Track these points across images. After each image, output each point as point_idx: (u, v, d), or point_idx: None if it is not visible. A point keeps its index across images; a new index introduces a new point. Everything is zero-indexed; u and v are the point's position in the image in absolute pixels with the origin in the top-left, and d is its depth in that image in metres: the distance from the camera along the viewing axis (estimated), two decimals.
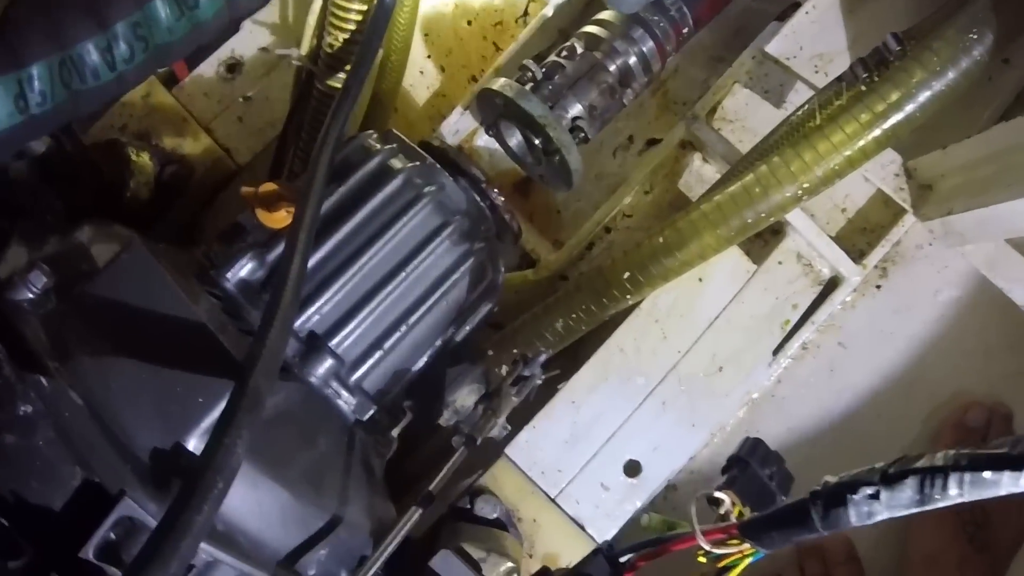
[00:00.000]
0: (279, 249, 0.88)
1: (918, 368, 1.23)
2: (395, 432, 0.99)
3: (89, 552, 0.62)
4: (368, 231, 0.92)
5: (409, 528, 0.82)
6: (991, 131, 1.00)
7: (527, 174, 1.21)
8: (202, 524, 0.54)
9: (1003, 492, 0.42)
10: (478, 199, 0.99)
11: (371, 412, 0.91)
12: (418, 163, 0.96)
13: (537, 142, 1.06)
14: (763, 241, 1.25)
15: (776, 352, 1.21)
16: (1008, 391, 1.20)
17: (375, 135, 1.00)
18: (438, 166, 0.97)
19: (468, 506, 1.07)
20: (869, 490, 0.49)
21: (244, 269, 0.89)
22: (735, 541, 0.61)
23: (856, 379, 1.24)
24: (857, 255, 1.21)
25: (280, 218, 0.89)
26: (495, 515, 1.06)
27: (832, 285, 1.21)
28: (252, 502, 0.75)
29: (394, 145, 0.98)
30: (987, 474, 0.42)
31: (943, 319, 1.23)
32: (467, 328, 1.00)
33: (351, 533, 0.84)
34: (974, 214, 1.06)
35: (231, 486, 0.59)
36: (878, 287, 1.24)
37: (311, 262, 0.89)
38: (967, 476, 0.43)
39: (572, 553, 1.10)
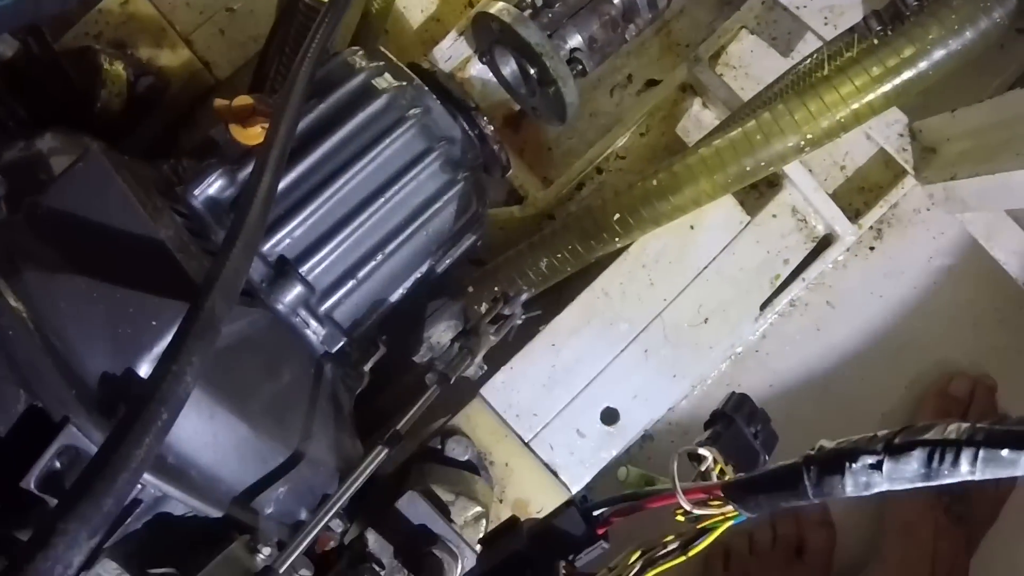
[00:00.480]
0: (251, 167, 0.83)
1: (906, 333, 1.20)
2: (366, 367, 0.95)
3: (31, 482, 0.58)
4: (347, 152, 0.87)
5: (375, 467, 0.78)
6: (1004, 97, 0.96)
7: (519, 106, 1.16)
8: (143, 457, 0.49)
9: (1020, 472, 0.39)
10: (466, 127, 0.93)
11: (341, 344, 0.87)
12: (405, 84, 0.90)
13: (532, 72, 1.01)
14: (758, 193, 1.22)
15: (764, 307, 1.17)
16: (994, 364, 1.18)
17: (361, 52, 0.95)
18: (426, 89, 0.92)
19: (439, 447, 1.04)
20: (871, 459, 0.46)
21: (213, 186, 0.83)
22: (717, 502, 0.57)
23: (842, 340, 1.22)
24: (853, 214, 1.17)
25: (254, 134, 0.84)
26: (466, 457, 1.03)
27: (825, 243, 1.18)
28: (207, 434, 0.70)
29: (381, 63, 0.93)
30: (1005, 452, 0.39)
31: (935, 286, 1.20)
32: (447, 261, 0.95)
33: (314, 470, 0.80)
34: (978, 181, 1.02)
35: (180, 416, 0.55)
36: (872, 248, 1.21)
37: (284, 182, 0.84)
38: (982, 452, 0.40)
39: (544, 500, 1.07)
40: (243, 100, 0.83)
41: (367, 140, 0.87)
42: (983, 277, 1.18)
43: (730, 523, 0.58)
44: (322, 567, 0.81)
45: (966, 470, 0.41)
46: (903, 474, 0.44)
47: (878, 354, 1.20)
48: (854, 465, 0.47)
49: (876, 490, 0.46)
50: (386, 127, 0.88)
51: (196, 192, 0.82)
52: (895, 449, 0.45)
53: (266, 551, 0.68)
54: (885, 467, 0.45)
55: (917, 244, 1.20)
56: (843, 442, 0.49)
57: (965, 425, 0.42)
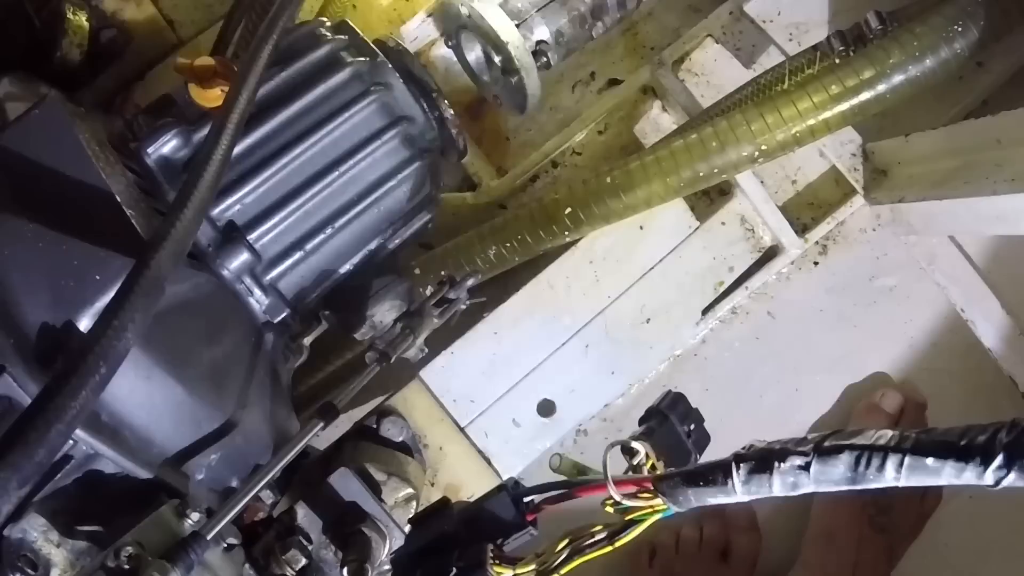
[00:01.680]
0: (208, 129, 0.82)
1: (842, 348, 1.23)
2: (307, 340, 0.95)
3: None
4: (305, 122, 0.86)
5: (309, 439, 0.78)
6: (958, 126, 0.98)
7: (481, 93, 1.16)
8: (78, 410, 0.49)
9: (943, 481, 0.40)
10: (427, 108, 0.93)
11: (284, 315, 0.87)
12: (369, 60, 0.90)
13: (497, 60, 1.01)
14: (709, 200, 1.23)
15: (705, 312, 1.19)
16: (926, 385, 1.20)
17: (328, 23, 0.94)
18: (390, 66, 0.91)
19: (374, 426, 1.04)
20: (799, 460, 0.47)
21: (167, 146, 0.82)
22: (647, 495, 0.58)
23: (780, 350, 1.23)
24: (800, 228, 1.19)
25: (214, 97, 0.83)
26: (401, 438, 1.03)
27: (771, 254, 1.20)
28: (143, 395, 0.69)
29: (346, 37, 0.92)
30: (930, 461, 0.40)
31: (875, 305, 1.22)
32: (397, 241, 0.95)
33: (248, 440, 0.80)
34: (925, 206, 1.05)
35: (117, 375, 0.54)
36: (816, 263, 1.23)
37: (239, 147, 0.83)
38: (907, 460, 0.41)
39: (475, 486, 1.08)
40: (205, 61, 0.82)
41: (326, 112, 0.87)
42: (922, 300, 1.20)
43: (658, 516, 0.58)
44: (250, 538, 0.81)
45: (891, 476, 0.42)
46: (830, 476, 0.46)
47: (814, 366, 1.22)
48: (782, 465, 0.48)
49: (803, 490, 0.47)
50: (346, 101, 0.87)
51: (150, 150, 0.81)
52: (823, 451, 0.46)
53: (195, 517, 0.68)
54: (813, 468, 0.46)
55: (860, 262, 1.22)
56: (773, 442, 0.50)
57: (893, 432, 0.43)
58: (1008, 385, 1.16)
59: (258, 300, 0.85)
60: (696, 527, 1.21)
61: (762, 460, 0.49)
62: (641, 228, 1.15)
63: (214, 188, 0.67)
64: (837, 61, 1.04)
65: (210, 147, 0.69)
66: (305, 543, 0.83)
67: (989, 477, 0.38)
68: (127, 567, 0.61)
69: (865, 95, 0.99)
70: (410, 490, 0.94)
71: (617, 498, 0.58)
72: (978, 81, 1.18)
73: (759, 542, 1.20)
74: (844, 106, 0.99)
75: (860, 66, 0.99)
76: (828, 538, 1.15)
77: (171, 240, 0.60)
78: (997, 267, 1.16)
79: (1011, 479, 0.38)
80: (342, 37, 0.92)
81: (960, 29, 0.99)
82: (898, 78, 0.98)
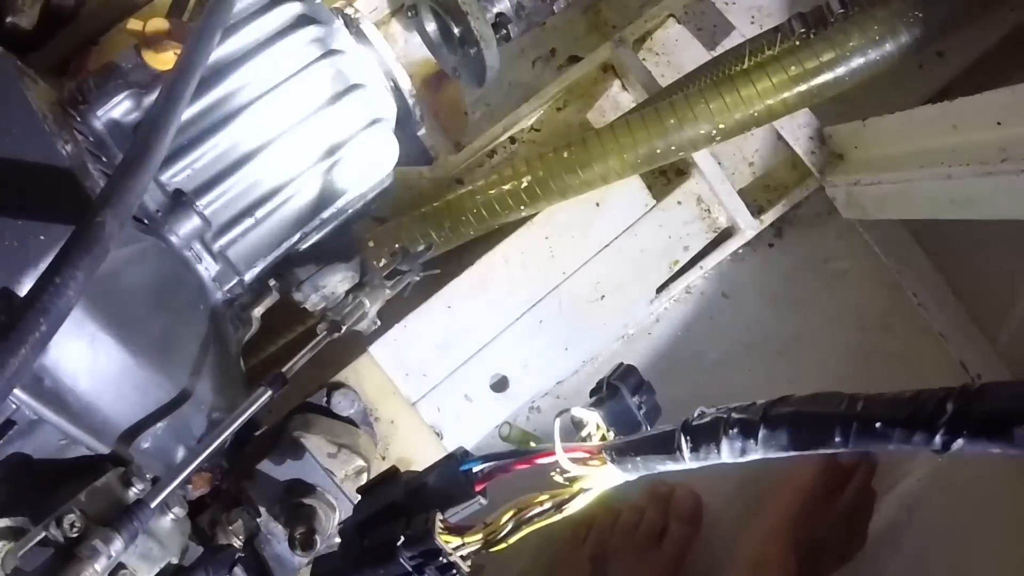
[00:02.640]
0: (159, 92, 0.80)
1: (795, 330, 1.24)
2: (257, 311, 0.93)
3: None
4: (258, 87, 0.84)
5: (257, 409, 0.77)
6: (915, 111, 0.99)
7: (440, 65, 1.15)
8: (16, 368, 0.48)
9: (891, 447, 0.40)
10: (383, 77, 0.92)
11: (233, 283, 0.86)
12: (326, 25, 0.89)
13: (457, 31, 1.01)
14: (666, 179, 1.24)
15: (660, 290, 1.19)
16: (877, 367, 1.22)
17: None
18: (347, 32, 0.90)
19: (325, 399, 1.03)
20: (747, 427, 0.47)
21: (118, 109, 0.80)
22: (596, 463, 0.58)
23: (733, 331, 1.24)
24: (756, 210, 1.20)
25: (166, 60, 0.81)
26: (352, 411, 1.02)
27: (726, 234, 1.21)
28: (87, 360, 0.68)
29: (303, 2, 0.90)
30: (879, 426, 0.40)
31: (828, 288, 1.24)
32: (350, 211, 0.94)
33: (195, 409, 0.78)
34: (880, 189, 1.06)
35: (60, 338, 0.53)
36: (771, 245, 1.25)
37: (190, 111, 0.81)
38: (856, 425, 0.41)
39: (426, 459, 1.05)
40: (158, 23, 0.80)
41: (280, 77, 0.85)
42: (875, 284, 1.22)
43: (608, 485, 0.59)
44: (197, 509, 0.80)
45: (839, 441, 0.42)
46: (778, 442, 0.46)
47: (767, 348, 1.24)
48: (731, 431, 0.48)
49: (751, 457, 0.47)
50: (301, 66, 0.86)
51: (99, 113, 0.79)
52: (771, 418, 0.46)
53: (140, 486, 0.67)
54: (760, 435, 0.46)
55: (815, 245, 1.23)
56: (721, 408, 0.50)
57: (842, 397, 0.43)
58: (958, 369, 1.18)
59: (207, 267, 0.83)
60: (638, 510, 1.22)
61: (710, 427, 0.50)
62: (598, 205, 1.15)
63: (163, 149, 0.65)
64: (797, 43, 1.04)
65: (160, 109, 0.68)
66: (252, 514, 0.83)
67: (937, 442, 0.39)
68: (71, 535, 0.60)
69: (824, 77, 0.99)
70: (361, 463, 0.93)
71: (566, 466, 0.58)
72: (937, 70, 1.19)
73: (696, 533, 1.21)
74: (802, 87, 1.00)
75: (820, 48, 1.00)
76: (756, 568, 1.15)
77: (116, 198, 0.58)
78: (950, 252, 1.18)
79: (959, 444, 0.38)
80: (299, 2, 0.90)
81: (921, 15, 0.99)
82: (857, 62, 0.99)
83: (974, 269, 1.18)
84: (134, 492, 0.66)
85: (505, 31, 1.04)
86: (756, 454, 0.47)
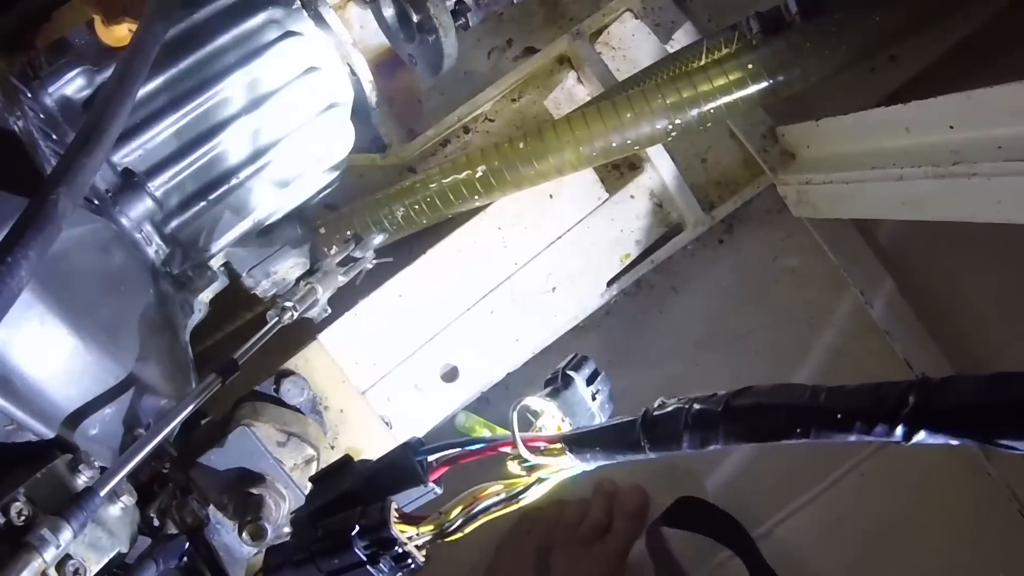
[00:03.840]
0: (112, 69, 0.78)
1: (742, 325, 1.25)
2: (206, 296, 0.92)
3: None
4: (214, 67, 0.83)
5: (207, 396, 0.75)
6: (868, 113, 1.00)
7: (396, 51, 1.14)
8: None
9: (853, 438, 0.41)
10: (339, 61, 0.91)
11: (184, 267, 0.84)
12: (284, 6, 0.87)
13: (415, 18, 0.99)
14: (619, 173, 1.24)
15: (611, 284, 1.20)
16: (824, 363, 1.24)
17: None
18: (305, 15, 0.88)
19: (274, 386, 1.01)
20: (709, 417, 0.47)
21: (70, 85, 0.79)
22: (555, 452, 0.58)
23: (682, 324, 1.25)
24: (707, 206, 1.21)
25: (120, 36, 0.80)
26: (301, 400, 1.01)
27: (677, 229, 1.21)
28: (35, 342, 0.66)
29: None
30: (840, 417, 0.41)
31: (776, 284, 1.25)
32: (302, 197, 0.93)
33: (144, 394, 0.77)
34: (832, 188, 1.07)
35: (9, 319, 0.52)
36: (721, 241, 1.26)
37: (144, 90, 0.80)
38: (818, 416, 0.42)
39: (375, 449, 1.04)
40: None
41: (236, 58, 0.84)
42: (823, 281, 1.24)
43: (565, 475, 0.59)
44: (145, 497, 0.78)
45: (800, 432, 0.43)
46: (740, 434, 0.46)
47: (715, 342, 1.25)
48: (692, 422, 0.48)
49: (712, 447, 0.48)
50: (258, 47, 0.84)
51: (51, 89, 0.77)
52: (734, 409, 0.46)
53: (88, 473, 0.65)
54: (723, 426, 0.46)
55: (765, 242, 1.25)
56: (682, 399, 0.50)
57: (805, 388, 0.43)
58: (903, 367, 1.20)
59: (158, 250, 0.82)
60: (583, 503, 1.23)
61: (671, 418, 0.50)
62: (551, 197, 1.15)
63: (116, 127, 0.64)
64: (754, 42, 1.05)
65: (114, 87, 0.66)
66: (201, 503, 0.81)
67: (898, 434, 0.39)
68: (17, 524, 0.58)
69: (781, 77, 1.00)
70: (310, 452, 0.92)
71: (525, 455, 0.58)
72: (889, 74, 1.21)
73: (641, 529, 1.22)
74: (761, 85, 1.00)
75: (779, 47, 1.01)
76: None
77: (70, 177, 0.57)
78: (898, 252, 1.20)
79: (921, 436, 0.39)
80: None
81: (877, 20, 1.01)
82: (813, 63, 1.00)
83: (921, 269, 1.20)
84: (82, 480, 0.64)
85: (464, 20, 1.03)
86: (717, 444, 0.47)
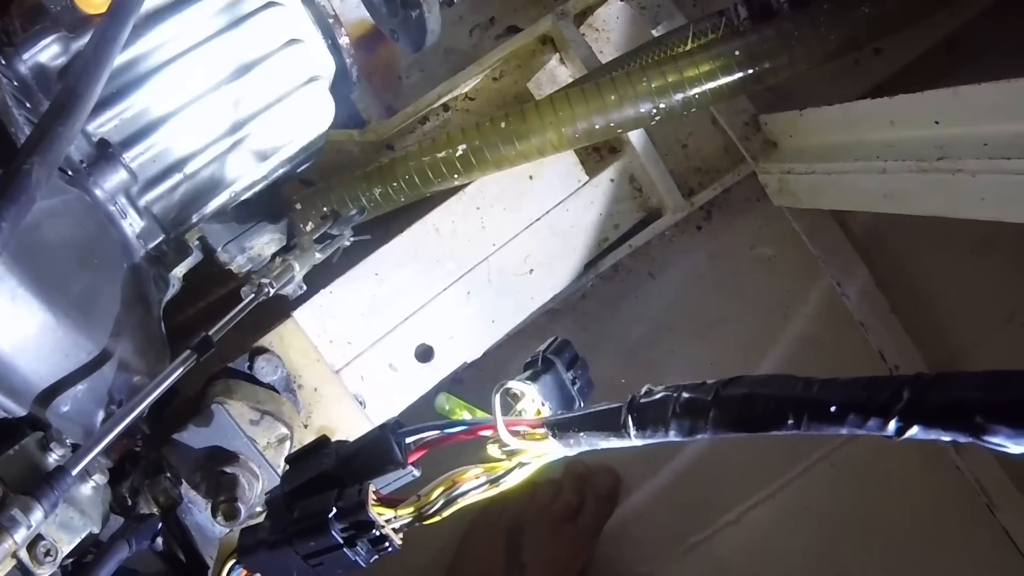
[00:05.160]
0: (89, 36, 0.76)
1: (718, 313, 1.25)
2: (180, 271, 0.90)
3: None
4: (192, 37, 0.81)
5: (181, 373, 0.74)
6: (853, 104, 1.00)
7: (378, 26, 1.12)
8: None
9: (844, 431, 0.40)
10: (320, 33, 0.89)
11: (158, 240, 0.82)
12: None
13: None
14: (600, 156, 1.23)
15: (588, 267, 1.19)
16: (799, 353, 1.24)
17: None
18: None
19: (247, 364, 1.00)
20: (698, 406, 0.47)
21: (45, 52, 0.77)
22: (537, 436, 0.57)
23: (658, 310, 1.25)
24: (687, 192, 1.21)
25: (97, 3, 0.77)
26: (275, 378, 0.99)
27: (656, 214, 1.21)
28: (6, 316, 0.64)
29: None
30: (833, 410, 0.40)
31: (753, 273, 1.25)
32: (280, 171, 0.91)
33: (117, 371, 0.75)
34: (813, 179, 1.07)
35: None
36: (699, 228, 1.26)
37: (121, 59, 0.78)
38: (810, 408, 0.41)
39: (350, 429, 1.05)
40: None
41: (215, 29, 0.82)
42: (799, 271, 1.24)
43: (547, 460, 0.58)
44: (117, 476, 0.77)
45: (792, 424, 0.42)
46: (729, 423, 0.46)
47: (690, 329, 1.25)
48: (680, 410, 0.48)
49: (700, 436, 0.47)
50: (238, 17, 0.83)
51: (26, 56, 0.75)
52: (724, 399, 0.46)
53: (59, 451, 0.64)
54: (712, 415, 0.46)
55: (743, 230, 1.25)
56: (671, 387, 0.50)
57: (798, 379, 0.43)
58: (877, 360, 1.20)
59: (132, 223, 0.80)
60: (554, 484, 1.23)
61: (659, 405, 0.49)
62: (531, 178, 1.14)
63: (94, 97, 0.62)
64: (741, 28, 1.04)
65: (90, 55, 0.64)
66: (174, 482, 0.80)
67: (891, 428, 0.39)
68: None
69: (767, 64, 1.00)
70: (284, 430, 0.91)
71: (507, 440, 0.57)
72: (875, 67, 1.21)
73: (611, 511, 1.23)
74: (747, 72, 1.00)
75: (767, 36, 1.00)
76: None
77: (44, 146, 0.55)
78: (876, 245, 1.20)
79: (914, 431, 0.38)
80: None
81: (867, 9, 1.00)
82: (800, 51, 1.00)
83: (899, 262, 1.21)
84: (54, 458, 0.63)
85: None
86: (705, 434, 0.47)
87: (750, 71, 0.99)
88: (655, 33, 1.17)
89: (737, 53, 0.99)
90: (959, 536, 1.22)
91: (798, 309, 1.25)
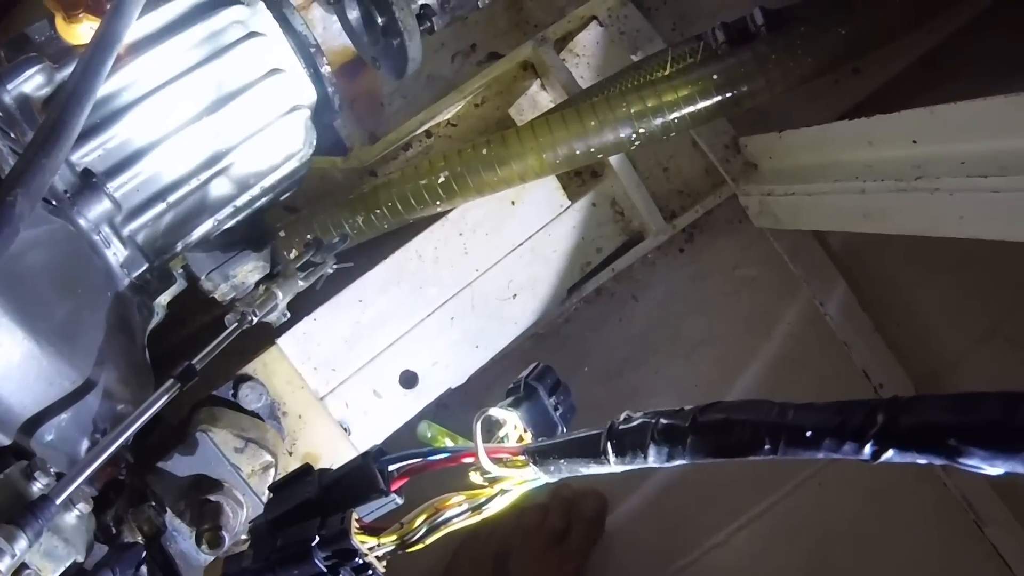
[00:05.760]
0: (72, 67, 0.77)
1: (702, 334, 1.26)
2: (164, 299, 0.91)
3: None
4: (176, 67, 0.81)
5: (165, 402, 0.74)
6: (832, 125, 1.01)
7: (360, 53, 1.13)
8: None
9: (821, 455, 0.41)
10: (303, 62, 0.90)
11: (142, 269, 0.83)
12: (248, 6, 0.86)
13: (380, 20, 0.99)
14: (581, 180, 1.24)
15: (571, 291, 1.20)
16: (783, 372, 1.25)
17: None
18: (270, 14, 0.87)
19: (231, 391, 1.00)
20: (675, 432, 0.47)
21: (29, 83, 0.77)
22: (519, 463, 0.58)
23: (641, 332, 1.26)
24: (669, 215, 1.22)
25: (81, 33, 0.78)
26: (259, 405, 1.00)
27: (638, 238, 1.22)
28: None
29: None
30: (809, 435, 0.41)
31: (736, 294, 1.26)
32: (263, 200, 0.92)
33: (101, 400, 0.75)
34: (794, 200, 1.08)
35: None
36: (681, 250, 1.26)
37: (104, 90, 0.78)
38: (786, 433, 0.42)
39: (334, 456, 1.06)
40: None
41: (197, 59, 0.82)
42: (782, 292, 1.25)
43: (528, 487, 0.58)
44: (101, 505, 0.77)
45: (768, 449, 0.43)
46: (707, 449, 0.46)
47: (674, 350, 1.25)
48: (658, 436, 0.48)
49: (678, 462, 0.48)
50: (220, 47, 0.83)
51: (9, 87, 0.75)
52: (701, 425, 0.46)
53: (44, 480, 0.64)
54: (689, 441, 0.47)
55: (725, 252, 1.25)
56: (649, 413, 0.50)
57: (772, 405, 0.44)
58: (861, 379, 1.21)
59: (116, 252, 0.80)
60: (541, 509, 1.23)
61: (637, 431, 0.50)
62: (513, 203, 1.15)
63: (78, 127, 0.63)
64: (719, 52, 1.06)
65: (74, 86, 0.65)
66: (158, 510, 0.80)
67: (867, 452, 0.40)
68: None
69: (745, 87, 1.01)
70: (268, 458, 0.91)
71: (487, 467, 0.57)
72: (854, 87, 1.22)
73: (599, 535, 1.23)
74: (725, 95, 1.01)
75: (745, 59, 1.01)
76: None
77: (27, 177, 0.56)
78: (857, 264, 1.21)
79: (889, 455, 0.39)
80: None
81: (844, 32, 1.02)
82: (777, 74, 1.01)
83: (880, 280, 1.21)
84: (38, 487, 0.63)
85: (429, 23, 1.02)
86: (683, 459, 0.47)
87: (728, 94, 1.00)
88: (634, 58, 1.18)
89: (715, 77, 1.00)
90: (948, 553, 1.23)
91: (781, 329, 1.25)
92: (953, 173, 0.83)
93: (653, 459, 0.49)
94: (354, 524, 0.61)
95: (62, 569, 0.64)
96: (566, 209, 1.17)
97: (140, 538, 0.78)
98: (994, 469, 0.38)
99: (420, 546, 0.61)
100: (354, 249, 1.11)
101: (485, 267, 1.14)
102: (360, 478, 0.65)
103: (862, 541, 1.22)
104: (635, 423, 0.50)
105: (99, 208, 0.76)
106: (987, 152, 0.81)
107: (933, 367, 1.22)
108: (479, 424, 0.60)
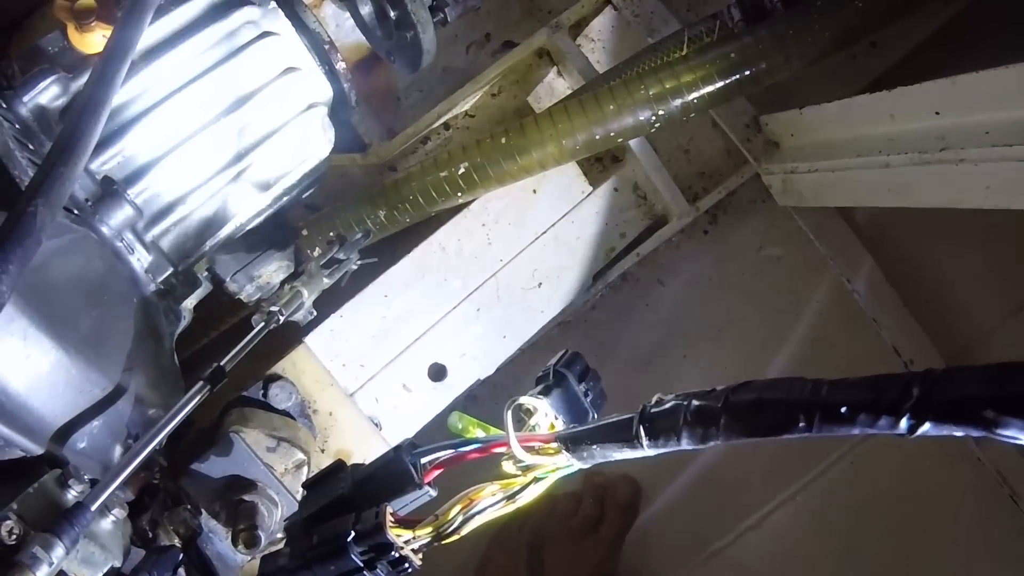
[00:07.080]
0: (87, 76, 0.77)
1: (729, 316, 1.25)
2: (190, 303, 0.91)
3: None
4: (191, 71, 0.82)
5: (195, 405, 0.74)
6: (852, 100, 1.00)
7: (374, 48, 1.13)
8: None
9: (856, 431, 0.40)
10: (317, 60, 0.90)
11: (167, 274, 0.83)
12: (261, 6, 0.86)
13: (393, 14, 0.98)
14: (602, 166, 1.24)
15: (597, 277, 1.19)
16: (810, 355, 1.23)
17: None
18: (282, 14, 0.87)
19: (261, 391, 1.00)
20: (708, 413, 0.47)
21: (45, 94, 0.77)
22: (551, 451, 0.58)
23: (669, 316, 1.25)
24: (691, 197, 1.21)
25: (94, 42, 0.78)
26: (290, 404, 1.00)
27: (662, 221, 1.21)
28: (19, 357, 0.65)
29: None
30: (844, 411, 0.40)
31: (762, 274, 1.25)
32: (285, 199, 0.92)
33: (131, 406, 0.75)
34: (817, 177, 1.07)
35: None
36: (706, 232, 1.25)
37: (121, 97, 0.79)
38: (821, 410, 0.41)
39: (366, 451, 1.06)
40: (86, 2, 0.77)
41: (211, 62, 0.82)
42: (808, 270, 1.23)
43: (561, 474, 0.58)
44: (136, 508, 0.77)
45: (803, 427, 0.42)
46: (740, 429, 0.46)
47: (701, 333, 1.25)
48: (691, 418, 0.48)
49: (712, 443, 0.47)
50: (236, 49, 0.83)
51: (26, 98, 0.76)
52: (734, 405, 0.46)
53: (78, 488, 0.64)
54: (723, 421, 0.46)
55: (749, 233, 1.24)
56: (680, 395, 0.50)
57: (806, 382, 0.43)
58: (891, 355, 1.19)
59: (140, 258, 0.80)
60: (575, 497, 1.23)
61: (670, 414, 0.49)
62: (534, 192, 1.14)
63: (95, 136, 0.63)
64: (736, 31, 1.04)
65: (91, 93, 0.65)
66: (193, 513, 0.80)
67: (903, 426, 0.39)
68: (9, 542, 0.57)
69: (764, 65, 0.99)
70: (301, 456, 0.91)
71: (520, 455, 0.57)
72: (872, 61, 1.20)
73: (633, 521, 1.22)
74: (744, 74, 0.99)
75: (762, 37, 1.00)
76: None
77: (47, 188, 0.56)
78: (883, 240, 1.20)
79: (926, 428, 0.38)
80: None
81: (861, 4, 1.00)
82: (796, 50, 0.99)
83: (907, 256, 1.20)
84: (72, 495, 0.63)
85: (442, 15, 1.02)
86: (717, 440, 0.47)
87: (747, 72, 0.99)
88: (650, 40, 1.17)
89: (733, 55, 0.99)
90: (983, 528, 1.21)
91: (809, 308, 1.24)
92: (978, 143, 0.82)
93: (687, 442, 0.48)
94: (389, 518, 0.61)
95: (99, 574, 0.64)
96: (588, 195, 1.17)
97: (176, 541, 0.78)
98: None
99: (455, 537, 0.61)
100: (377, 244, 1.11)
101: (509, 257, 1.14)
102: (393, 472, 0.65)
103: (896, 519, 1.21)
104: (667, 406, 0.50)
105: (121, 215, 0.77)
106: (1012, 121, 0.80)
107: (963, 342, 1.21)
108: (510, 413, 0.59)
